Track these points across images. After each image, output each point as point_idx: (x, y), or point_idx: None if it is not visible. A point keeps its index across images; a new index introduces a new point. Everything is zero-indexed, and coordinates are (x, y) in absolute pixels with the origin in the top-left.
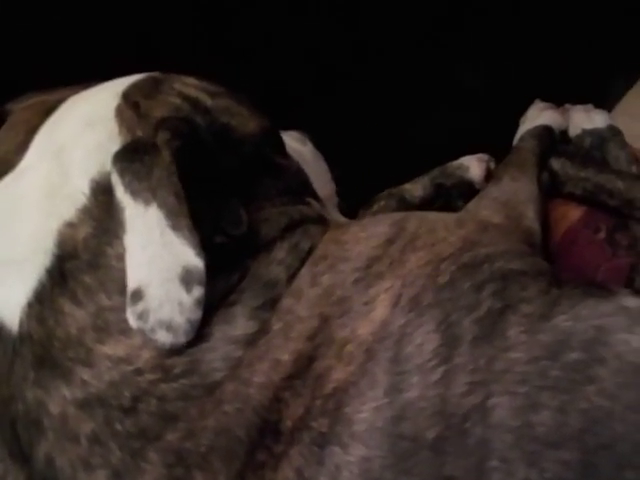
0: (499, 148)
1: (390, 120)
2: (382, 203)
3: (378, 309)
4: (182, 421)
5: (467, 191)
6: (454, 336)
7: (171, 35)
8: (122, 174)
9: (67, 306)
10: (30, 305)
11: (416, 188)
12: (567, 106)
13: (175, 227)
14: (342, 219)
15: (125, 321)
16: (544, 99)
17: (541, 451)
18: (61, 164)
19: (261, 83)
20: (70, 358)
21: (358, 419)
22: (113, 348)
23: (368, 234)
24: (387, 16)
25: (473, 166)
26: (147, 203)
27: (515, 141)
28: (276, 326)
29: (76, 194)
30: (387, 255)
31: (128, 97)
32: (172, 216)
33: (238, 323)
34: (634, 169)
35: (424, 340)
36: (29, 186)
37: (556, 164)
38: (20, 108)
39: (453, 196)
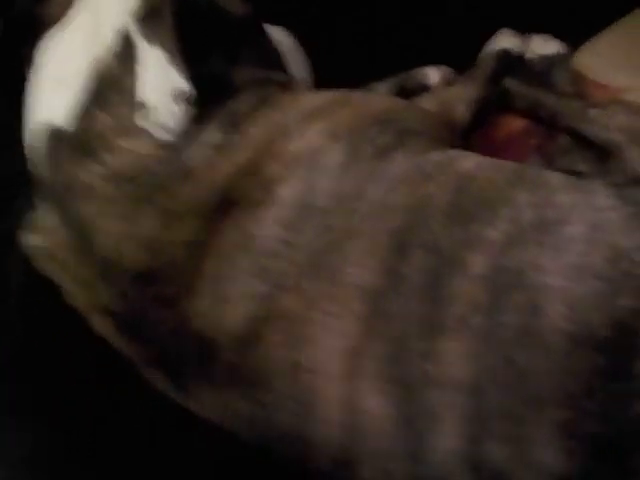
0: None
1: (376, 27)
2: None
3: (307, 136)
4: (167, 190)
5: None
6: (356, 155)
7: None
8: (138, 24)
9: (98, 113)
10: (73, 112)
11: (382, 86)
12: (529, 35)
13: (170, 61)
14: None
15: (135, 124)
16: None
17: (385, 214)
18: (96, 17)
19: None
20: (98, 147)
21: (281, 194)
22: (126, 141)
23: (317, 96)
24: None
25: (433, 74)
26: (153, 45)
27: (478, 59)
28: (237, 140)
29: (106, 39)
30: (326, 108)
31: None
32: (169, 54)
33: (210, 133)
34: (571, 90)
35: (333, 155)
36: (73, 34)
37: (509, 82)
38: None
39: (412, 97)
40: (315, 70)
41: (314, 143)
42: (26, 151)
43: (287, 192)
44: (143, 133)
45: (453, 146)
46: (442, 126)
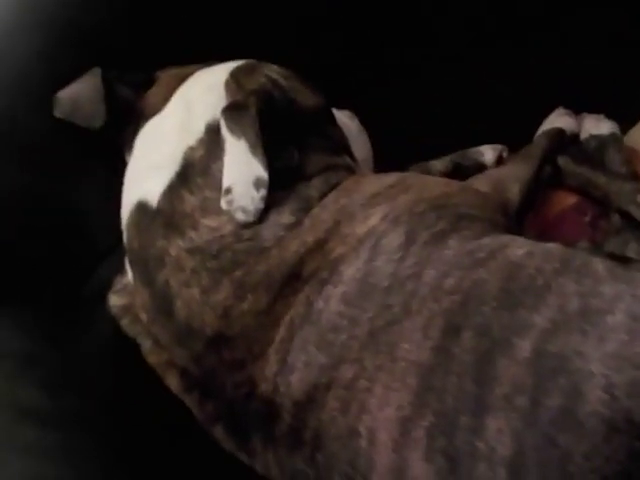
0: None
1: (431, 113)
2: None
3: (371, 220)
4: (244, 265)
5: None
6: (413, 239)
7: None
8: (226, 120)
9: (185, 195)
10: (164, 192)
11: (439, 163)
12: (583, 114)
13: (254, 153)
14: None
15: (219, 206)
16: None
17: (440, 296)
18: (189, 112)
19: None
20: (185, 224)
21: (346, 273)
22: (210, 221)
23: (379, 180)
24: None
25: (488, 152)
26: (239, 138)
27: (534, 138)
28: (307, 222)
29: (197, 131)
30: (386, 193)
31: (233, 74)
32: (252, 146)
33: (284, 216)
34: (624, 170)
35: (394, 238)
36: (169, 124)
37: (561, 160)
38: (165, 75)
39: (468, 175)
40: (377, 148)
41: (377, 227)
42: (122, 225)
43: (351, 271)
44: (225, 214)
45: (506, 227)
46: (496, 208)
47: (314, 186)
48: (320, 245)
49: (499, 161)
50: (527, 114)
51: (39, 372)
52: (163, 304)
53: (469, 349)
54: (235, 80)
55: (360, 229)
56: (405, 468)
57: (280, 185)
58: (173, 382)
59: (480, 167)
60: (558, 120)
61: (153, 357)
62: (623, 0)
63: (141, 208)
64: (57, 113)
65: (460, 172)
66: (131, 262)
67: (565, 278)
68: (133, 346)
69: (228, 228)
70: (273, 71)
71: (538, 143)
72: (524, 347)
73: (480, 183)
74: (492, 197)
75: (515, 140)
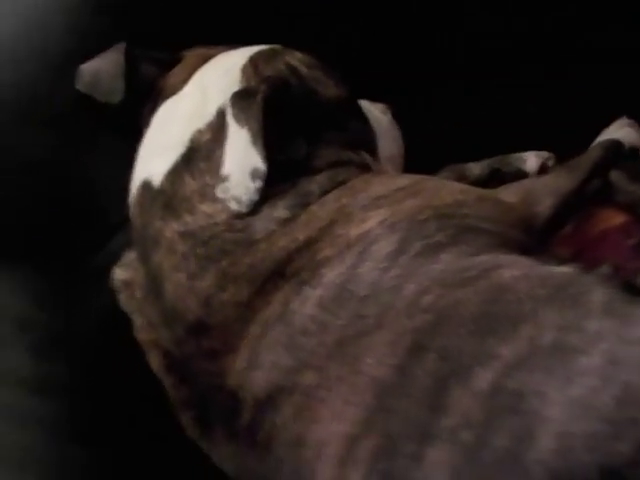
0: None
1: (477, 113)
2: (444, 174)
3: (367, 223)
4: (231, 255)
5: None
6: (404, 249)
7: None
8: (232, 107)
9: (187, 178)
10: (168, 174)
11: (476, 167)
12: None
13: (254, 143)
14: (392, 173)
15: (215, 193)
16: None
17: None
18: (204, 95)
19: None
20: (182, 207)
21: (327, 276)
22: (206, 207)
23: (390, 181)
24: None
25: (530, 159)
26: (242, 126)
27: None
28: (302, 218)
29: (208, 115)
30: (393, 197)
31: (252, 59)
32: (253, 136)
33: (278, 210)
34: None
35: (385, 245)
36: (183, 106)
37: (614, 175)
38: (190, 55)
39: (506, 182)
40: (413, 147)
41: (371, 231)
42: (129, 200)
43: (332, 275)
44: (221, 202)
45: (522, 243)
46: (515, 222)
47: (317, 182)
48: (310, 244)
49: (543, 170)
50: (586, 122)
51: (31, 337)
52: (154, 284)
53: (429, 372)
54: (253, 65)
55: (354, 231)
56: None
57: (282, 178)
58: (155, 362)
59: (521, 175)
60: (618, 131)
61: (142, 334)
62: None
63: (146, 187)
64: (78, 86)
65: (498, 178)
66: (134, 239)
67: (549, 308)
68: (128, 321)
69: (222, 216)
70: (295, 59)
71: (590, 154)
72: (483, 379)
73: (508, 192)
74: (515, 209)
75: (568, 149)
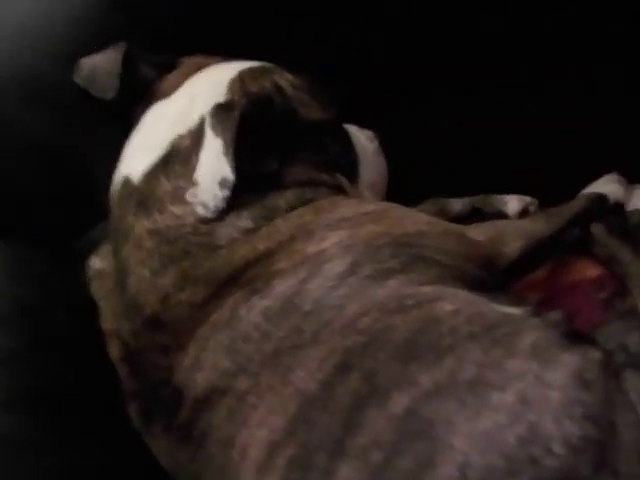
0: None
1: (468, 150)
2: (424, 207)
3: (325, 242)
4: (193, 257)
5: None
6: (354, 270)
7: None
8: (212, 117)
9: (162, 179)
10: (146, 173)
11: (457, 203)
12: (636, 185)
13: (225, 153)
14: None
15: (186, 197)
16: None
17: (349, 333)
18: (190, 102)
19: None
20: (154, 206)
21: (277, 287)
22: (176, 208)
23: (358, 205)
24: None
25: (512, 202)
26: (216, 136)
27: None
28: (264, 230)
29: (190, 122)
30: (355, 220)
31: (241, 74)
32: (225, 147)
33: (243, 219)
34: None
35: (337, 265)
36: (170, 110)
37: (595, 227)
38: (187, 62)
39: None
40: (413, 144)
41: (327, 250)
42: (110, 193)
43: (282, 287)
44: (190, 205)
45: (479, 280)
46: (475, 259)
47: (285, 197)
48: (268, 255)
49: (524, 214)
50: (586, 122)
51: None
52: (120, 276)
53: (350, 391)
54: (241, 80)
55: (311, 249)
56: None
57: (251, 190)
58: (114, 351)
59: (501, 217)
60: (605, 186)
61: (107, 324)
62: None
63: (126, 183)
64: (76, 78)
65: (479, 217)
66: (110, 231)
67: (476, 344)
68: (95, 309)
69: (189, 219)
70: (283, 78)
71: (573, 204)
72: (399, 403)
73: (478, 230)
74: (481, 247)
75: (568, 149)
